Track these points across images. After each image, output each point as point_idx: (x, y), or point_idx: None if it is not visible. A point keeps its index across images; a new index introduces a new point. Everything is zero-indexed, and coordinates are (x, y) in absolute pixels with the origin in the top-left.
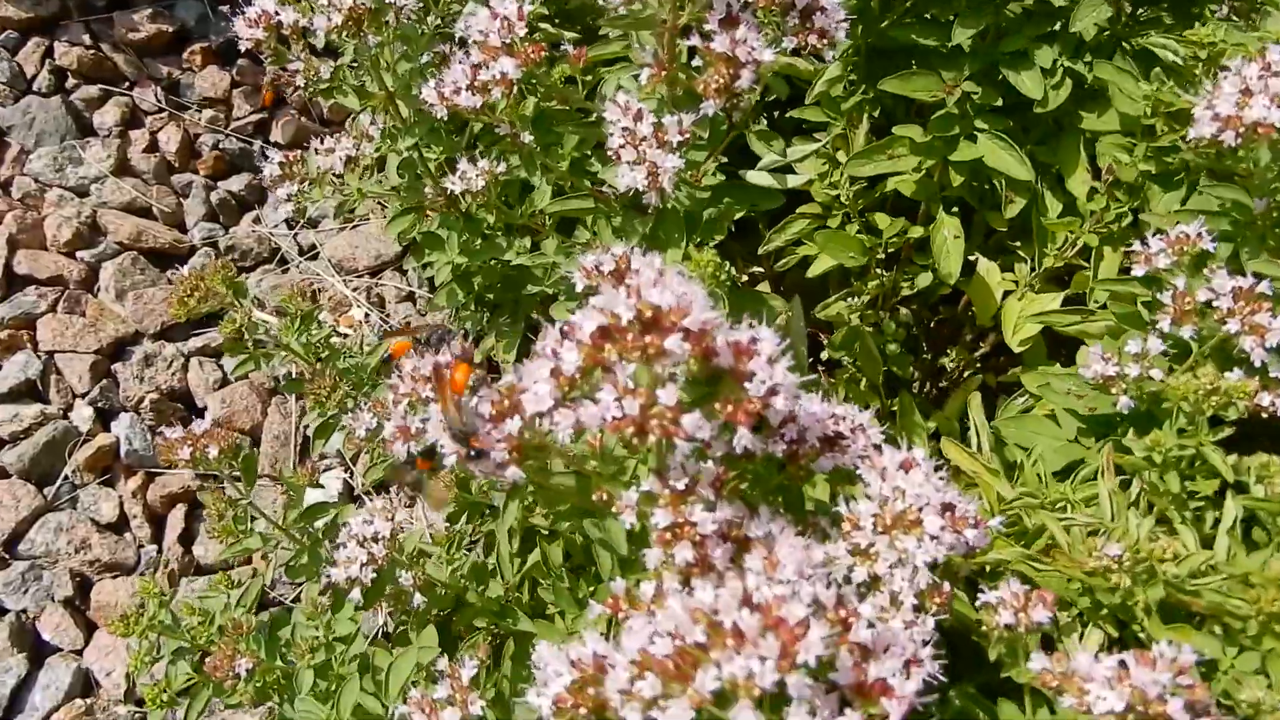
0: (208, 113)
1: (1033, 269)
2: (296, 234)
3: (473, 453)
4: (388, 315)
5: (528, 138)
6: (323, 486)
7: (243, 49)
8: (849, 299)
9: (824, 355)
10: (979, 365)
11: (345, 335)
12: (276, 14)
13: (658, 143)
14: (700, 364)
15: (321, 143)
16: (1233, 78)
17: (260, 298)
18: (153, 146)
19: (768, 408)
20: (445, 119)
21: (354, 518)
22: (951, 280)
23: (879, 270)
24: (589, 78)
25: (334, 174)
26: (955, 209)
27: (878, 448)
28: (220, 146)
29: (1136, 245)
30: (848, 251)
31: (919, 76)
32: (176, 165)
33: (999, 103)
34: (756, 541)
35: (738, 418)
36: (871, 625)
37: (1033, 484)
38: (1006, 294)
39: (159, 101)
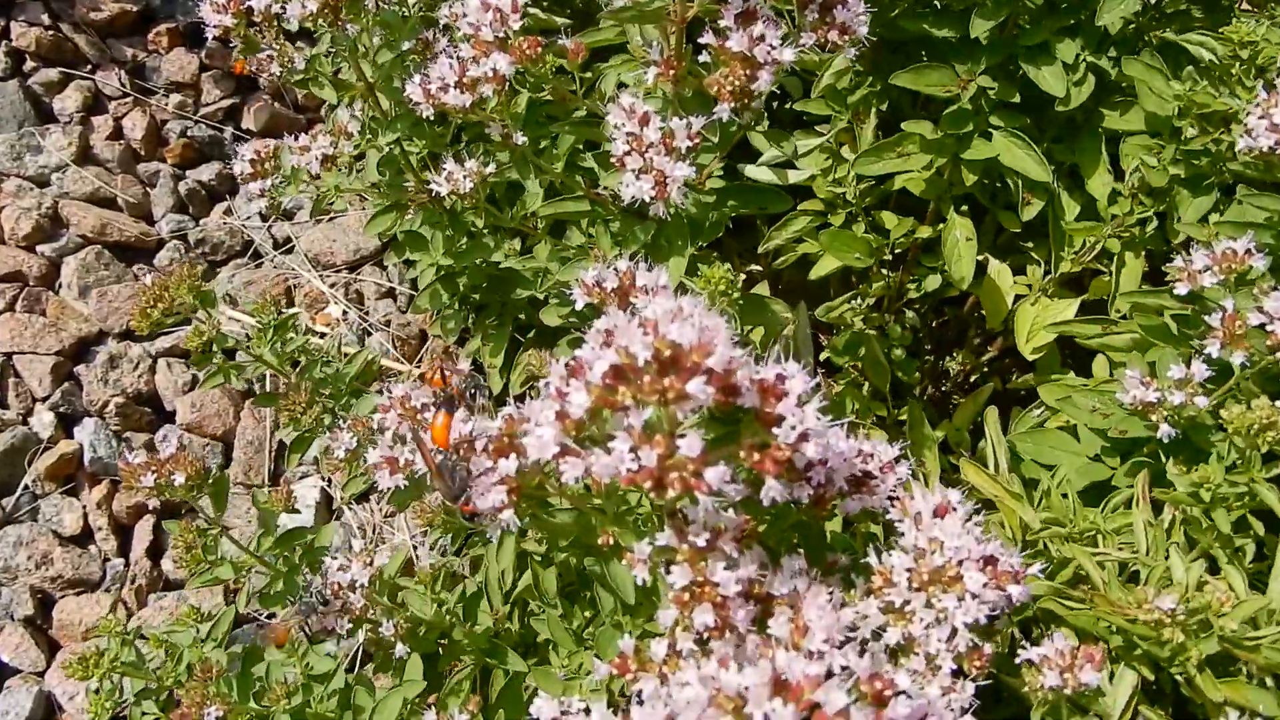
0: (175, 98)
1: (1047, 272)
2: (270, 226)
3: (465, 517)
4: (367, 312)
5: (521, 139)
6: (299, 512)
7: (210, 36)
8: (853, 301)
9: (822, 357)
10: (985, 369)
11: (322, 334)
12: None
13: (665, 149)
14: (721, 402)
15: (296, 139)
16: None
17: (232, 294)
18: (117, 133)
19: (796, 453)
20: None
21: (329, 561)
22: (964, 285)
23: (884, 271)
24: (588, 74)
25: (309, 173)
26: (964, 207)
27: (906, 486)
28: (189, 134)
29: (1177, 260)
30: (853, 252)
31: (932, 70)
32: (142, 153)
33: (1015, 99)
34: (780, 600)
35: (765, 467)
36: (908, 696)
37: (1059, 509)
38: (1018, 297)
39: (123, 86)
